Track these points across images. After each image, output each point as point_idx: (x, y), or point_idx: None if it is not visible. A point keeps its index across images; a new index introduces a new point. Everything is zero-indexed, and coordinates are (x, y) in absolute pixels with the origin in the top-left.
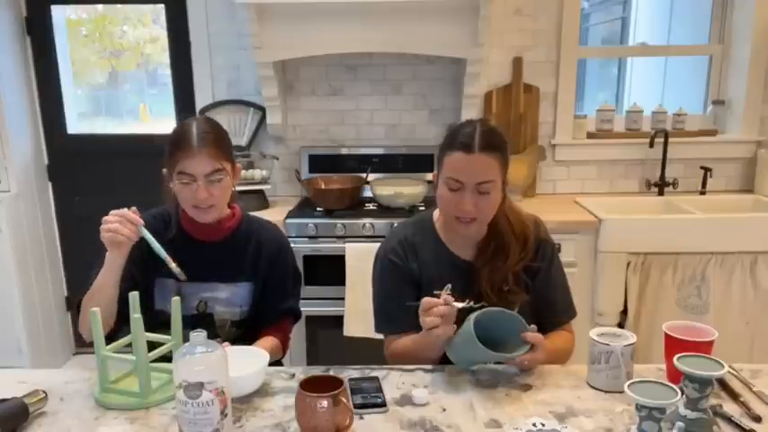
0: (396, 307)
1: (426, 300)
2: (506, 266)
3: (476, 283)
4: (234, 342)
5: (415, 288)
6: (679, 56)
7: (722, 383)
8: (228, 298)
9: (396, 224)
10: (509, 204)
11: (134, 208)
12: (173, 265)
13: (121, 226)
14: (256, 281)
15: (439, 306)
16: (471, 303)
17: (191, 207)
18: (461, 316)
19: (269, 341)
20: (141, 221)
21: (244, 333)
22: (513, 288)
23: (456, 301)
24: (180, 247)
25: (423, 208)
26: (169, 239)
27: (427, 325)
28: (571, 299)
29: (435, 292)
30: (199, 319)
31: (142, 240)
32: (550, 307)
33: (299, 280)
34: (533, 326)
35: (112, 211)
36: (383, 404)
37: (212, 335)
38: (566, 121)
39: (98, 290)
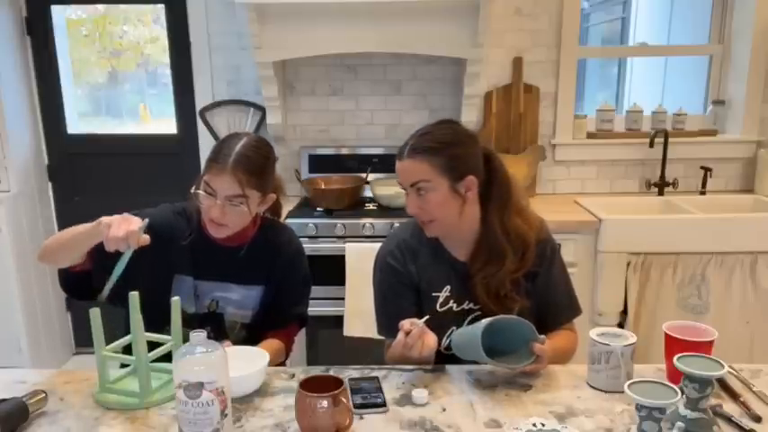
0: (394, 311)
1: (397, 342)
2: (502, 273)
3: (473, 286)
4: (241, 344)
5: (414, 291)
6: (679, 56)
7: (722, 383)
8: (240, 300)
9: (396, 225)
10: (512, 209)
11: (146, 222)
12: (108, 285)
13: (121, 242)
14: (269, 284)
15: (406, 341)
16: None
17: (206, 217)
18: (461, 317)
19: (273, 343)
20: (138, 245)
21: (252, 335)
22: (510, 294)
23: (453, 302)
24: (198, 246)
25: None
26: (187, 240)
27: (423, 356)
28: (574, 296)
29: (433, 294)
30: (209, 318)
31: (160, 238)
32: (553, 306)
33: (309, 286)
34: (543, 336)
35: (128, 221)
36: (383, 404)
37: (222, 335)
38: (566, 121)
39: (67, 244)
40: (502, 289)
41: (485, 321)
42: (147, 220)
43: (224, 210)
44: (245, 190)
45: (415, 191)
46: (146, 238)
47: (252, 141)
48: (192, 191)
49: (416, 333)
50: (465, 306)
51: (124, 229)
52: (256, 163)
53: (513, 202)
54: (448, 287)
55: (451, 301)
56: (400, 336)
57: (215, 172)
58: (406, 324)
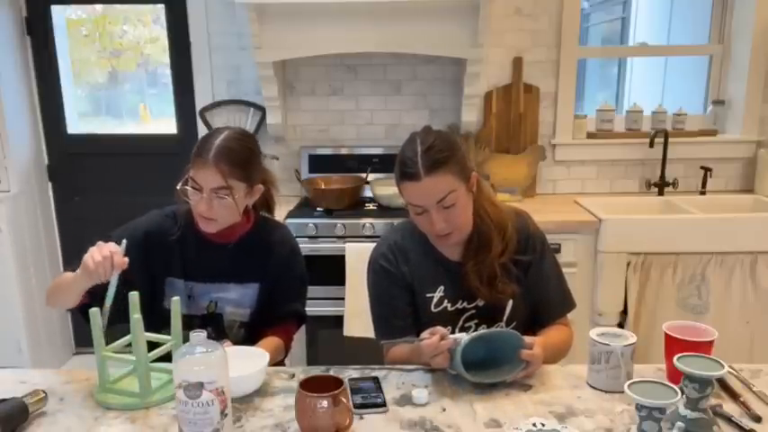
0: (391, 314)
1: (427, 344)
2: (491, 258)
3: (466, 281)
4: (240, 343)
5: (409, 292)
6: (679, 56)
7: (722, 383)
8: (238, 299)
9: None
10: (485, 196)
11: (124, 244)
12: (104, 309)
13: (102, 267)
14: (264, 282)
15: (441, 344)
16: (473, 324)
17: (196, 213)
18: (455, 317)
19: (272, 342)
20: (120, 268)
21: (251, 335)
22: (502, 279)
23: (447, 302)
24: (189, 247)
25: None
26: (177, 239)
27: (440, 364)
28: (567, 290)
29: (427, 295)
30: (208, 320)
31: (151, 242)
32: (545, 301)
33: (306, 284)
34: (531, 341)
35: (105, 247)
36: (383, 404)
37: (221, 335)
38: (566, 121)
39: (62, 290)
40: (493, 275)
41: (466, 338)
42: (125, 242)
43: (211, 203)
44: (229, 181)
45: (440, 207)
46: (125, 261)
47: (234, 134)
48: (179, 187)
49: (450, 342)
50: (459, 306)
51: (103, 254)
52: (240, 154)
53: (484, 187)
54: (441, 287)
55: (446, 302)
56: (434, 339)
57: (198, 166)
58: (440, 329)
